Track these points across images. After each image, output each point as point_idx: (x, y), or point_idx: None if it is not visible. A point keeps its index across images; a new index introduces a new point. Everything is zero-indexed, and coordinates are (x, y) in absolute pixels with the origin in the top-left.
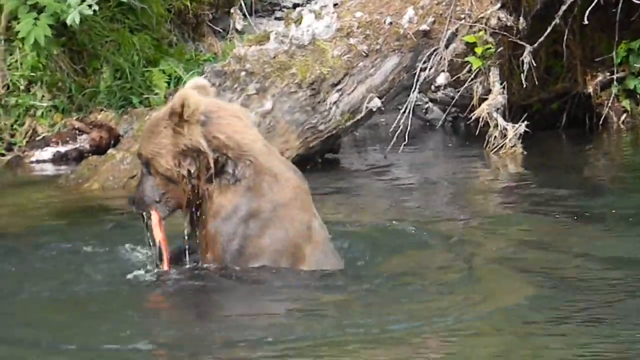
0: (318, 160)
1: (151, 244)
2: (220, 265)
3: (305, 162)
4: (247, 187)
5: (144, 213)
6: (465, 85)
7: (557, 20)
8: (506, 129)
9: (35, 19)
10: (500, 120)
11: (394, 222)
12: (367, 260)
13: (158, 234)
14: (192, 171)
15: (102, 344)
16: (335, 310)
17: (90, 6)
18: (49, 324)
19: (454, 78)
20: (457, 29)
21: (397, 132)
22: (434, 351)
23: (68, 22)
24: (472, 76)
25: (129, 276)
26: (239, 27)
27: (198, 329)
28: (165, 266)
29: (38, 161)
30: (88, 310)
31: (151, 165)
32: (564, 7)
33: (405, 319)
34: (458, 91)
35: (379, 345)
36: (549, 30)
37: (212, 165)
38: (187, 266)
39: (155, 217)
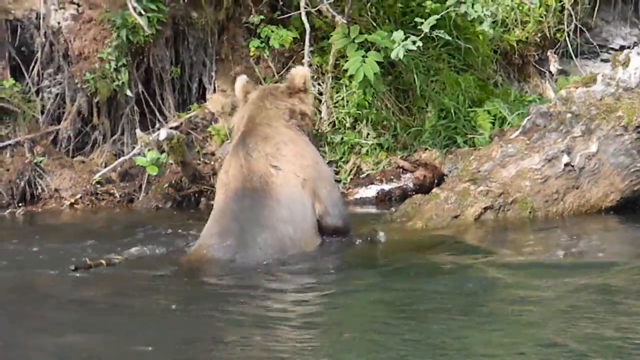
0: None
1: None
2: None
3: (629, 205)
4: None
5: None
6: None
7: None
8: None
9: (364, 56)
10: None
11: None
12: None
13: None
14: None
15: None
16: None
17: (414, 42)
18: None
19: None
20: None
21: None
22: None
23: (392, 56)
24: None
25: None
26: (553, 70)
27: None
28: None
29: (362, 199)
30: None
31: None
32: None
33: None
34: None
35: None
36: None
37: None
38: None
39: None
